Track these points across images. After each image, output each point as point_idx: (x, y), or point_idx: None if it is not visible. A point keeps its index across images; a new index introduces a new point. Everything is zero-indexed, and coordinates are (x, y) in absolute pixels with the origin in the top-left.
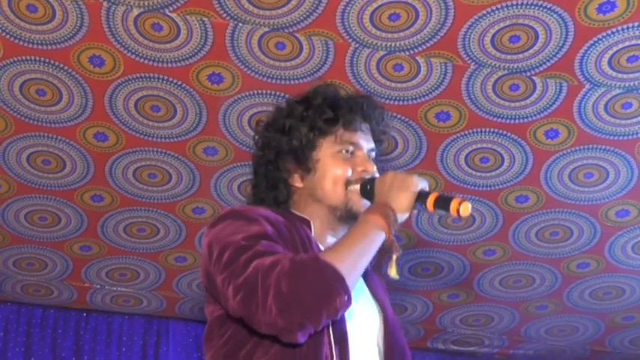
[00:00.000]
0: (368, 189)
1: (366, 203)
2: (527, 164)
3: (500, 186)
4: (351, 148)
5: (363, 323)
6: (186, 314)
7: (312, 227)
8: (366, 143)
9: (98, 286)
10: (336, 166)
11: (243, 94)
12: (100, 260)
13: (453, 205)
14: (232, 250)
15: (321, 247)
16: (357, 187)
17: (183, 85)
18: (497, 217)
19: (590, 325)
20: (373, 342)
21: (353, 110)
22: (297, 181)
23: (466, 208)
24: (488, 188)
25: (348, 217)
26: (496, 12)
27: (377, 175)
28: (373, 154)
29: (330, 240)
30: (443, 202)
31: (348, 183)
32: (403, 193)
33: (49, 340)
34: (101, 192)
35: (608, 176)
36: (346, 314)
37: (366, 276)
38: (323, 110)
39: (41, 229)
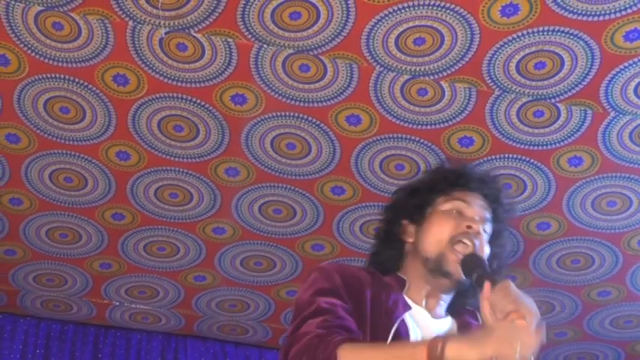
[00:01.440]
0: (470, 262)
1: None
2: (550, 191)
3: (523, 212)
4: (462, 206)
5: None
6: (204, 333)
7: (407, 285)
8: (479, 208)
9: (117, 303)
10: (442, 221)
11: (266, 116)
12: (120, 278)
13: None
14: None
15: (411, 305)
16: (460, 252)
17: (207, 105)
18: (518, 244)
19: (610, 353)
20: None
21: (472, 179)
22: (409, 236)
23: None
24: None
25: (437, 271)
26: (522, 38)
27: (485, 248)
28: (488, 225)
29: (424, 296)
30: None
31: (451, 241)
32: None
33: (68, 353)
34: (122, 210)
35: (632, 205)
36: None
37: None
38: (445, 174)
39: (62, 245)
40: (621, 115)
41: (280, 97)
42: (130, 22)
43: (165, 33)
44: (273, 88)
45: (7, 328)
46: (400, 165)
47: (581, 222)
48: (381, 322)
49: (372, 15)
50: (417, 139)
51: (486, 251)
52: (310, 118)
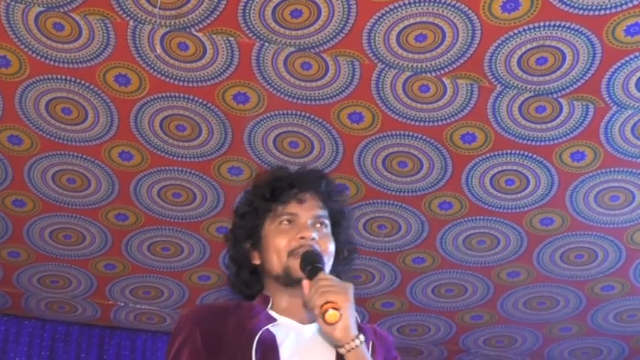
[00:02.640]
0: (301, 262)
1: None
2: (553, 186)
3: (526, 208)
4: (288, 219)
5: None
6: None
7: (270, 301)
8: (306, 212)
9: (122, 304)
10: (276, 239)
11: (269, 114)
12: (124, 278)
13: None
14: None
15: (276, 317)
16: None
17: (209, 104)
18: (521, 240)
19: (614, 347)
20: None
21: (287, 185)
22: (256, 259)
23: (330, 317)
24: (514, 210)
25: (289, 282)
26: (523, 34)
27: (329, 245)
28: (324, 219)
29: (290, 307)
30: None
31: (289, 253)
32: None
33: (73, 355)
34: (126, 211)
35: (634, 199)
36: None
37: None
38: (261, 192)
39: (66, 247)
40: (623, 110)
41: (282, 96)
42: (131, 22)
43: (166, 32)
44: (275, 86)
45: (12, 331)
46: (403, 162)
47: (584, 217)
48: (242, 340)
49: (373, 12)
50: (420, 135)
51: (331, 248)
52: (312, 116)
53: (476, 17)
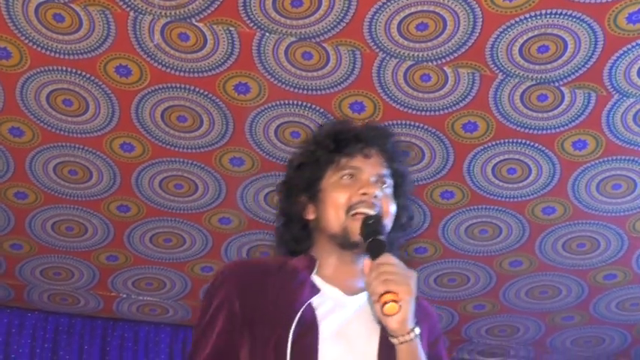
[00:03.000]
0: (364, 228)
1: None
2: (555, 175)
3: (528, 197)
4: (350, 173)
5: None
6: None
7: (317, 264)
8: (371, 168)
9: (125, 296)
10: (336, 192)
11: (270, 105)
12: (127, 270)
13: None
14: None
15: (320, 286)
16: (360, 217)
17: (210, 95)
18: (523, 229)
19: (617, 336)
20: None
21: (353, 138)
22: (310, 214)
23: (388, 309)
24: (515, 199)
25: (345, 244)
26: (524, 22)
27: (390, 206)
28: (386, 179)
29: (337, 272)
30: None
31: (349, 209)
32: None
33: (76, 347)
34: (127, 202)
35: (637, 187)
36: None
37: None
38: (325, 142)
39: (68, 239)
40: (625, 98)
41: (283, 86)
42: (131, 13)
43: (167, 23)
44: (276, 76)
45: (14, 323)
46: (404, 152)
47: (586, 205)
48: (283, 311)
49: (374, 1)
50: (421, 125)
51: (392, 210)
52: (314, 106)
53: (477, 5)
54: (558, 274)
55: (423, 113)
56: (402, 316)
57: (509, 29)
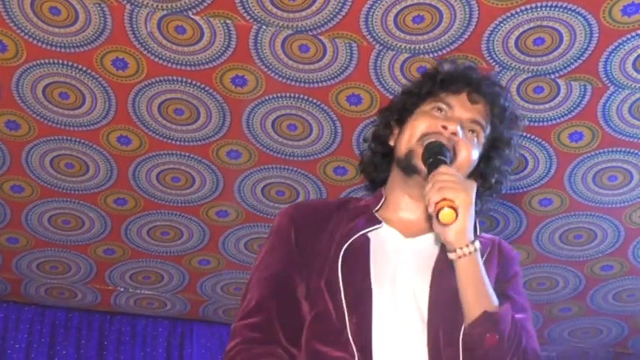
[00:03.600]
0: (426, 150)
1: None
2: (552, 167)
3: (525, 189)
4: (442, 108)
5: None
6: (210, 317)
7: (383, 199)
8: (467, 111)
9: (122, 289)
10: (419, 120)
11: (267, 97)
12: (124, 263)
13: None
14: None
15: (382, 221)
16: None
17: (207, 88)
18: (520, 221)
19: (614, 327)
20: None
21: (464, 79)
22: (392, 139)
23: (444, 216)
24: (512, 191)
25: (407, 168)
26: (520, 14)
27: (471, 152)
28: (478, 128)
29: (398, 214)
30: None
31: (422, 136)
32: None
33: (73, 341)
34: (125, 195)
35: (633, 178)
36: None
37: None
38: (434, 76)
39: (65, 232)
40: (620, 90)
41: (280, 78)
42: (128, 6)
43: (163, 16)
44: (273, 69)
45: (12, 317)
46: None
47: (582, 197)
48: (334, 243)
49: None
50: None
51: (470, 156)
52: (311, 99)
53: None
54: (555, 266)
55: None
56: (460, 224)
57: (504, 22)
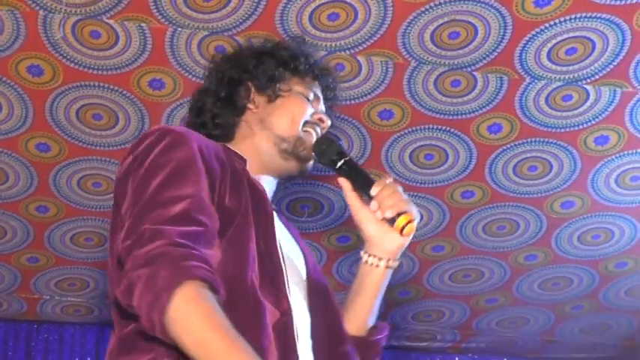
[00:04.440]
0: (323, 148)
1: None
2: (472, 160)
3: (446, 182)
4: (312, 96)
5: (293, 264)
6: None
7: (247, 167)
8: (322, 104)
9: (48, 297)
10: (301, 104)
11: (186, 99)
12: (49, 271)
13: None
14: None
15: (262, 185)
16: (314, 135)
17: (124, 92)
18: (444, 214)
19: (541, 315)
20: (301, 281)
21: (323, 71)
22: (254, 105)
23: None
24: (434, 185)
25: (292, 153)
26: (435, 9)
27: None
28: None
29: (264, 180)
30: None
31: (305, 124)
32: None
33: (0, 353)
34: (46, 203)
35: (552, 168)
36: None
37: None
38: (297, 56)
39: None
40: (537, 81)
41: (198, 80)
42: (41, 12)
43: (77, 21)
44: (190, 70)
45: None
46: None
47: (504, 188)
48: (261, 220)
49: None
50: (338, 114)
51: None
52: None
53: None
54: (480, 257)
55: (340, 103)
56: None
57: (419, 16)
